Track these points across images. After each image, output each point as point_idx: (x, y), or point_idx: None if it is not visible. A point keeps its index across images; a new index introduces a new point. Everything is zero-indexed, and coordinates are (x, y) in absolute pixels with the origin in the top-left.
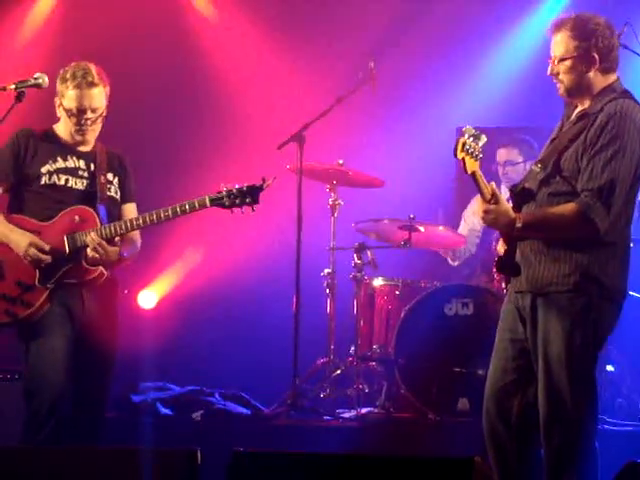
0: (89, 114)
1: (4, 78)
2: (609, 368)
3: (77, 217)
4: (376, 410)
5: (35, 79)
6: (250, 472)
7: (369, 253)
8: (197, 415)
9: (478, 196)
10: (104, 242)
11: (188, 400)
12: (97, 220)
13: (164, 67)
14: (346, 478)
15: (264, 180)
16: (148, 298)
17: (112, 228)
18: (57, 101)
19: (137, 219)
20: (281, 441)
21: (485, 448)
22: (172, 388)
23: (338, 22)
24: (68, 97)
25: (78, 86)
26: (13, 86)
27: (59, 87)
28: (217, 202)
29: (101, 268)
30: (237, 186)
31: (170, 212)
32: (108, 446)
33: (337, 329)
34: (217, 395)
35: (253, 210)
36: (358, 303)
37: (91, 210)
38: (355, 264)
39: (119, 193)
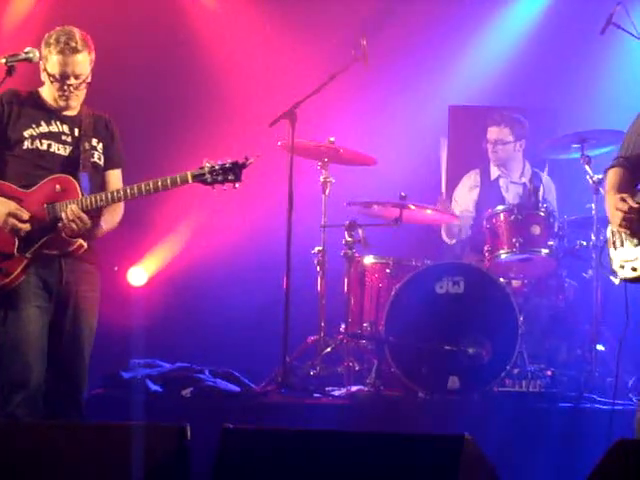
0: (72, 80)
1: None
2: (599, 347)
3: (58, 186)
4: (366, 388)
5: (26, 53)
6: (240, 449)
7: (360, 231)
8: (187, 392)
9: (469, 175)
10: (83, 214)
11: (177, 377)
12: (78, 190)
13: (156, 43)
14: (335, 455)
15: (247, 157)
16: (138, 275)
17: (92, 200)
18: (41, 65)
19: (118, 192)
20: (270, 418)
21: (474, 425)
22: (162, 365)
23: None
24: (51, 62)
25: (61, 52)
26: (3, 60)
27: (43, 51)
28: (199, 178)
29: (80, 240)
30: (220, 162)
31: (152, 186)
32: (97, 422)
33: (327, 307)
34: (207, 372)
35: (235, 187)
36: (349, 281)
37: (73, 179)
38: (346, 242)
39: (102, 159)
